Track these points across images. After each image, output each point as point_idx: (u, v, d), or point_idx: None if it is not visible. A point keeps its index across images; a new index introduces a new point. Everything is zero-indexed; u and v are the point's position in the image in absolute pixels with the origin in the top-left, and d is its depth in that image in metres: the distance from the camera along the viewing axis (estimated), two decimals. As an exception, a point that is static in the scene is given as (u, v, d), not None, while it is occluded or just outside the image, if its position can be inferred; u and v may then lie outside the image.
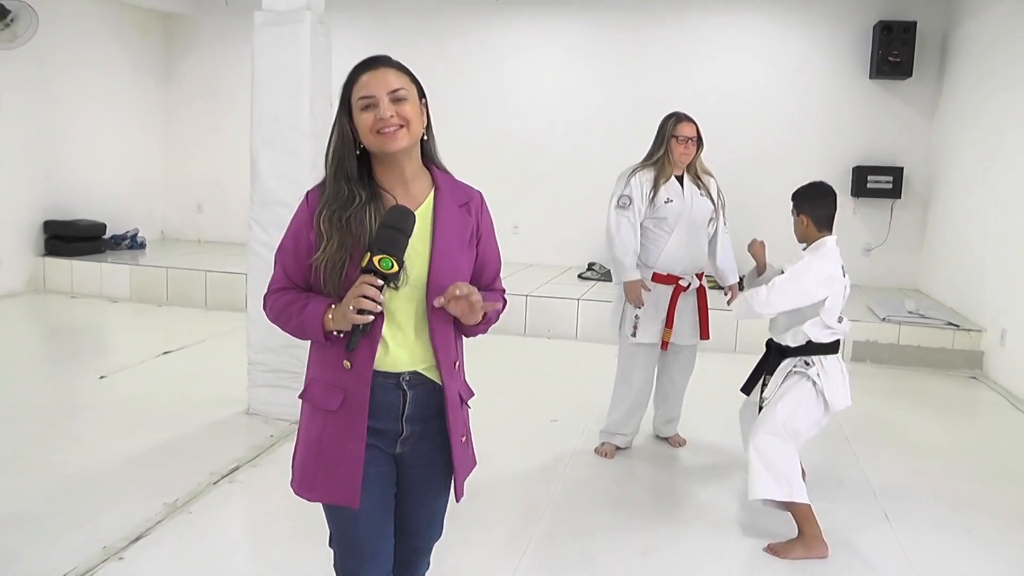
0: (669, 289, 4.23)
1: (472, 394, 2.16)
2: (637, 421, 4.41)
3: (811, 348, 3.42)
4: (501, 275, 2.20)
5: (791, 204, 3.56)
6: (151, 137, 9.77)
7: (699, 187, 4.24)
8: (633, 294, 4.17)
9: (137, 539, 3.23)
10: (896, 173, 8.23)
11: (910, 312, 6.84)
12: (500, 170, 8.78)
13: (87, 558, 3.05)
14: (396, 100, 1.91)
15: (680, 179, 4.21)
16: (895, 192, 8.25)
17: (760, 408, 3.57)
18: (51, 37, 7.89)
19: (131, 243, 8.91)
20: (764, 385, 3.62)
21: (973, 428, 5.36)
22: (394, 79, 1.93)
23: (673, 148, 4.13)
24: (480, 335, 2.09)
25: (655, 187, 4.14)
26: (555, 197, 8.99)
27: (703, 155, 4.28)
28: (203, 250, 9.17)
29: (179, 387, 5.26)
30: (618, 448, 4.41)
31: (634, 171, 4.20)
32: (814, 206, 3.49)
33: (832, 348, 3.45)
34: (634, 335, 4.23)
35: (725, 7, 8.60)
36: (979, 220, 6.89)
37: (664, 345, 4.27)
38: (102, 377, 5.42)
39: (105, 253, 8.49)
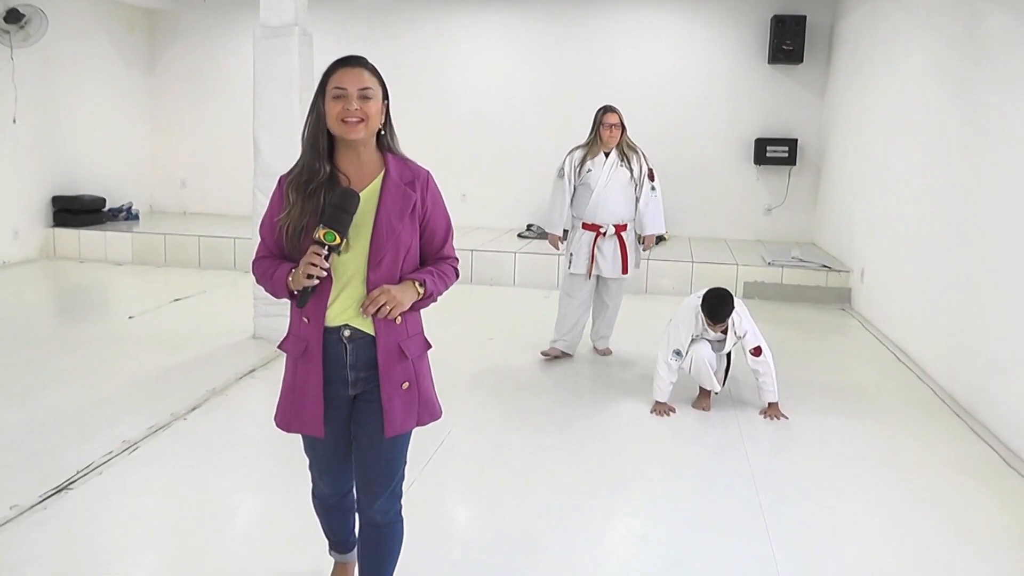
0: (592, 234, 5.61)
1: (428, 347, 2.40)
2: (577, 334, 5.75)
3: None
4: (452, 241, 2.42)
5: None
6: (139, 121, 10.53)
7: (622, 160, 5.55)
8: (551, 242, 5.72)
9: (193, 409, 4.51)
10: (792, 144, 9.40)
11: (793, 257, 8.18)
12: (450, 146, 9.77)
13: (162, 420, 4.31)
14: (363, 97, 2.15)
15: (608, 154, 5.54)
16: (791, 160, 9.43)
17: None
18: (52, 35, 8.53)
19: (127, 215, 9.77)
20: None
21: (824, 342, 6.62)
22: (366, 79, 2.17)
23: (602, 132, 5.49)
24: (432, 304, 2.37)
25: (583, 162, 5.52)
26: (498, 168, 10.00)
27: (630, 135, 5.63)
28: (189, 220, 10.09)
29: (195, 323, 6.41)
30: (562, 352, 5.75)
31: (571, 151, 5.61)
32: None
33: None
34: (569, 266, 5.69)
35: (643, 5, 9.64)
36: (854, 180, 7.91)
37: (588, 275, 5.64)
38: (131, 317, 6.53)
39: (106, 224, 9.35)
